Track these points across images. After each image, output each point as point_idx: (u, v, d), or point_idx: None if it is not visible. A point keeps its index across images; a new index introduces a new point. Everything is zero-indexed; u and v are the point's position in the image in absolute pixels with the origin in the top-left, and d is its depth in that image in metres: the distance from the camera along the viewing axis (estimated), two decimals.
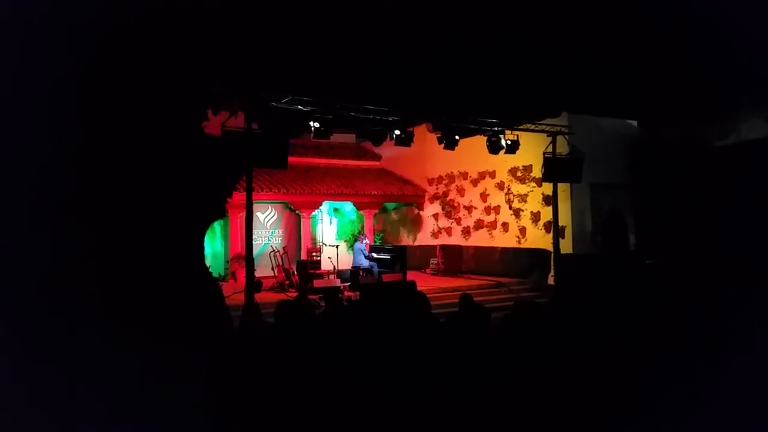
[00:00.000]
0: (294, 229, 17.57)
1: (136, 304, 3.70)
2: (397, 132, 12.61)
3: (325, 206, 18.67)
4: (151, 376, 3.41)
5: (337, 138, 14.77)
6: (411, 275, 14.56)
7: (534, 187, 16.03)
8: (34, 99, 3.55)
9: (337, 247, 15.92)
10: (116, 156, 3.92)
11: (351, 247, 16.91)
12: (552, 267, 14.89)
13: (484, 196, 17.67)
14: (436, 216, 19.51)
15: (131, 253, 3.85)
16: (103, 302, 3.64)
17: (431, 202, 19.76)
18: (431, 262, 17.42)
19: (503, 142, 13.74)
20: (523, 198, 16.41)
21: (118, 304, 3.68)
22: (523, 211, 16.41)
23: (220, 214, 5.96)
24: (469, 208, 18.18)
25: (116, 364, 3.34)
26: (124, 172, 3.97)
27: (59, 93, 3.66)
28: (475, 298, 6.00)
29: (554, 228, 14.56)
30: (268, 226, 17.14)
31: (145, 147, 4.11)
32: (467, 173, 18.22)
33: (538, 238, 15.80)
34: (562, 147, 14.26)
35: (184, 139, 4.63)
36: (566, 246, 14.93)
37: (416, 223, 20.22)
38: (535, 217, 16.03)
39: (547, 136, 14.21)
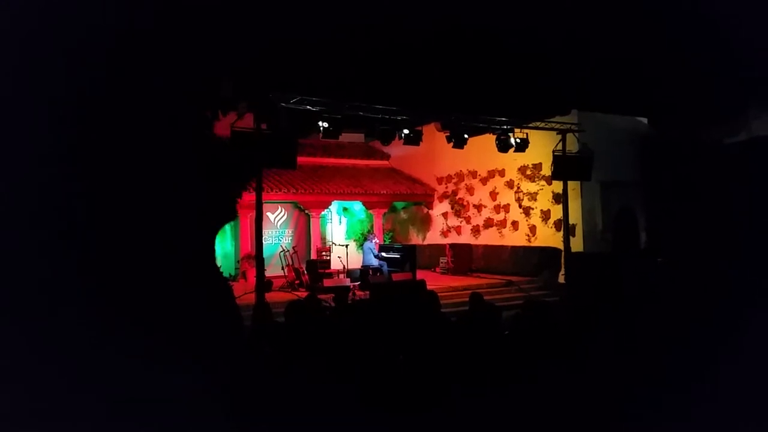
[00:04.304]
0: (304, 229, 17.62)
1: (145, 307, 3.72)
2: (406, 131, 12.60)
3: (335, 206, 18.71)
4: (159, 376, 3.42)
5: (345, 138, 14.79)
6: (421, 274, 14.57)
7: (544, 185, 15.97)
8: (45, 102, 3.59)
9: (346, 246, 15.94)
10: (124, 159, 3.95)
11: (361, 246, 16.93)
12: (562, 265, 14.84)
13: (493, 195, 17.63)
14: (445, 215, 19.49)
15: (141, 257, 3.87)
16: (111, 304, 3.66)
17: (440, 201, 19.74)
18: (441, 260, 17.41)
19: (512, 141, 13.70)
20: (532, 196, 16.36)
21: (126, 306, 3.69)
22: (532, 209, 16.37)
23: (231, 216, 5.97)
24: (479, 207, 18.14)
25: (123, 365, 3.36)
26: (133, 175, 3.99)
27: (67, 97, 3.69)
28: (485, 297, 6.01)
29: (564, 226, 14.50)
30: (278, 225, 17.21)
31: (154, 150, 4.13)
32: (476, 172, 18.18)
33: (548, 237, 15.75)
34: (572, 145, 14.20)
35: (194, 142, 4.65)
36: (576, 244, 14.87)
37: (425, 222, 20.21)
38: (545, 215, 15.98)
39: (557, 134, 14.15)
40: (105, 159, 3.89)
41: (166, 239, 4.08)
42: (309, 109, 11.21)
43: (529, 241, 16.40)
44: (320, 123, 11.33)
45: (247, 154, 9.63)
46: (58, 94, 3.66)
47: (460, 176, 18.84)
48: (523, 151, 13.99)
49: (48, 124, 3.66)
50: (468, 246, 17.45)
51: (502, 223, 17.32)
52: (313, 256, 16.49)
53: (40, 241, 3.54)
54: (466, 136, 13.42)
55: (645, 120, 17.05)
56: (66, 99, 3.70)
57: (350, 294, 11.71)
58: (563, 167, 13.82)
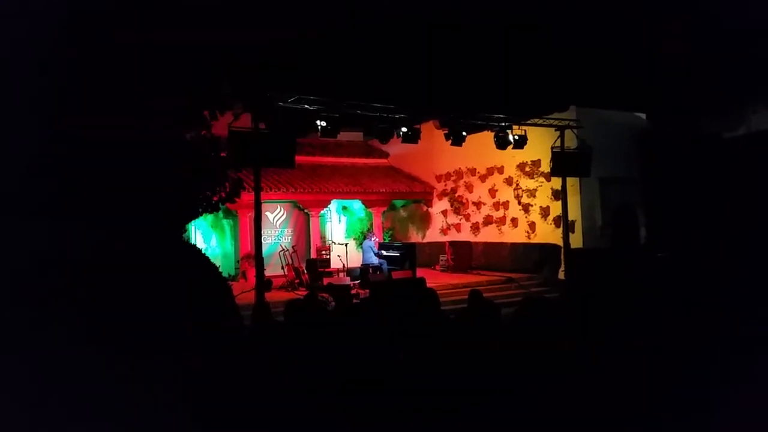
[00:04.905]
0: (303, 228, 17.61)
1: (116, 304, 3.68)
2: (404, 129, 12.60)
3: (334, 204, 18.70)
4: (141, 381, 3.38)
5: (344, 136, 14.80)
6: (420, 272, 14.56)
7: (543, 181, 15.97)
8: (19, 92, 3.57)
9: (346, 245, 15.93)
10: (94, 153, 3.93)
11: (360, 244, 16.93)
12: (562, 262, 14.84)
13: (492, 192, 17.63)
14: (444, 212, 19.49)
15: (103, 250, 3.84)
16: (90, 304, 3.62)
17: (440, 199, 19.74)
18: (441, 258, 17.41)
19: (511, 138, 13.70)
20: (532, 193, 16.36)
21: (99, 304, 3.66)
22: (532, 206, 16.37)
23: (194, 214, 5.98)
24: (478, 204, 18.14)
25: (103, 369, 3.32)
26: (104, 170, 3.98)
27: (46, 86, 3.68)
28: (485, 294, 5.99)
29: (564, 222, 14.50)
30: (277, 225, 17.19)
31: (131, 146, 4.12)
32: (475, 169, 18.18)
33: (548, 233, 15.75)
34: (571, 141, 14.20)
35: (167, 141, 4.66)
36: (576, 240, 14.87)
37: (425, 220, 20.22)
38: (545, 211, 15.98)
39: (555, 130, 14.15)
40: (86, 152, 3.88)
41: (132, 234, 4.06)
42: (307, 108, 11.21)
43: (528, 237, 16.40)
44: (318, 122, 11.32)
45: (241, 154, 9.61)
46: (45, 88, 3.65)
47: (459, 174, 18.84)
48: (522, 147, 13.99)
49: (20, 115, 3.65)
50: (468, 243, 17.45)
51: (502, 220, 17.32)
52: (313, 255, 16.49)
53: (23, 235, 3.51)
54: (464, 133, 13.41)
55: (643, 115, 17.04)
56: (54, 94, 3.70)
57: (350, 292, 11.71)
58: (562, 163, 13.83)
